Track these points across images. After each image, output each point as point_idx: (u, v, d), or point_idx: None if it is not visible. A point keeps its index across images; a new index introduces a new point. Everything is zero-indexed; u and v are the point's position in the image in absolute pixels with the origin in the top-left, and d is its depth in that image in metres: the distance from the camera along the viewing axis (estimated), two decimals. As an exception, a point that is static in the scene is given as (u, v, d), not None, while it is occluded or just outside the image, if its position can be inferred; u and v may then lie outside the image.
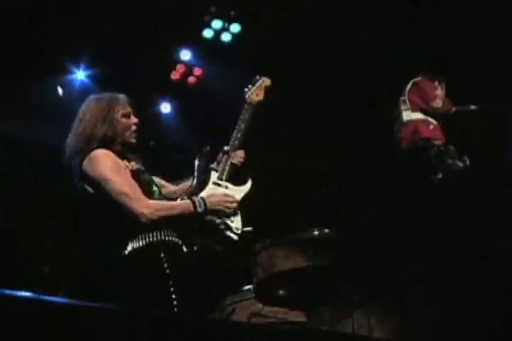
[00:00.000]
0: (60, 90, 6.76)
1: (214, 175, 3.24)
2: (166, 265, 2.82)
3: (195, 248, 3.00)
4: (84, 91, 6.88)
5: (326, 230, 3.84)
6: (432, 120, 5.04)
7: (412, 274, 3.52)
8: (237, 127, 3.40)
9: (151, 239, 2.86)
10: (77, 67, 6.88)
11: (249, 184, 3.29)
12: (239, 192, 3.23)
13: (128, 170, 2.96)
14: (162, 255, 2.84)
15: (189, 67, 7.23)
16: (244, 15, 6.82)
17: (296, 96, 6.55)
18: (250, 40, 6.83)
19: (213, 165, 3.30)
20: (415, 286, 3.48)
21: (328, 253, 3.75)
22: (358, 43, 6.19)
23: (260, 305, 4.30)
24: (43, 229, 5.95)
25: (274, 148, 6.52)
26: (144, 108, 7.33)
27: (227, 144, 3.38)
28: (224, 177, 3.23)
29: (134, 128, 3.10)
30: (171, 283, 2.79)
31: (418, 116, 5.03)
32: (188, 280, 2.90)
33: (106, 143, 2.98)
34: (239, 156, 3.38)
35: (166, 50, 7.05)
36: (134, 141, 3.10)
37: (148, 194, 2.95)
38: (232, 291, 4.73)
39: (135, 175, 2.97)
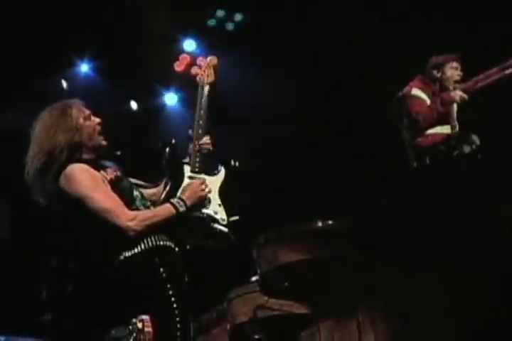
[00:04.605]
0: (64, 83, 6.76)
1: (187, 170, 3.15)
2: (161, 269, 2.82)
3: (187, 247, 2.97)
4: (88, 84, 6.90)
5: (330, 221, 3.81)
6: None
7: (417, 264, 3.48)
8: (196, 114, 3.28)
9: (143, 246, 2.84)
10: (81, 59, 6.87)
11: (222, 172, 3.21)
12: (215, 182, 3.16)
13: (106, 182, 2.90)
14: (157, 260, 2.82)
15: (193, 58, 7.20)
16: (246, 4, 6.78)
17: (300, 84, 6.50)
18: (254, 28, 6.78)
19: (185, 159, 3.20)
20: (419, 278, 3.44)
21: (333, 244, 3.72)
22: (361, 29, 6.11)
23: (265, 298, 4.29)
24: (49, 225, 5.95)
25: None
26: (148, 100, 7.38)
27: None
28: (197, 170, 3.13)
29: (98, 128, 3.01)
30: (168, 286, 2.78)
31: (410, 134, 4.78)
32: (185, 281, 2.89)
33: (73, 151, 2.89)
34: (206, 143, 3.26)
35: (170, 40, 7.02)
36: (104, 143, 3.02)
37: (130, 201, 2.92)
38: (237, 284, 4.72)
39: (114, 184, 2.91)
